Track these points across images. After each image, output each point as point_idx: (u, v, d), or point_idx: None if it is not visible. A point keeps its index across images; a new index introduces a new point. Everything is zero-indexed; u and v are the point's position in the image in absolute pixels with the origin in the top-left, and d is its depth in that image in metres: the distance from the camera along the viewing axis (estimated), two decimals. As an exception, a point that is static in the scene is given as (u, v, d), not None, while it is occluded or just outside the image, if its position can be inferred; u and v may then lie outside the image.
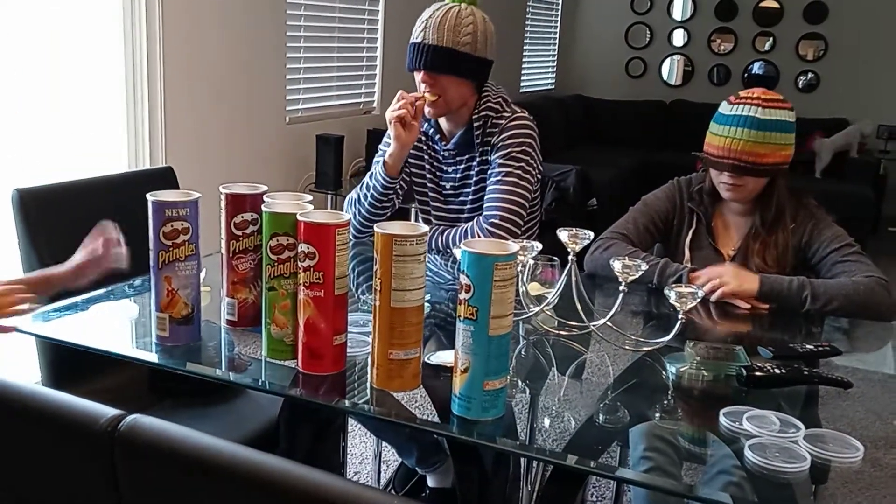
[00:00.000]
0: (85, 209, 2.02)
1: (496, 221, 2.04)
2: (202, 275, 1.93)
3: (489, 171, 2.13)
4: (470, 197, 2.21)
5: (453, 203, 2.25)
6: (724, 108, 2.06)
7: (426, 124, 2.22)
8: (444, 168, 2.24)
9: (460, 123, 2.17)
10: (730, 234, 2.11)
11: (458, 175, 2.21)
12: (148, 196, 1.48)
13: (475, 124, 2.13)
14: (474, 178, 2.18)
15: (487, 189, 2.11)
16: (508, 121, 2.13)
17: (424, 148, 2.26)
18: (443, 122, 2.20)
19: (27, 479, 1.07)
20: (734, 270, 1.93)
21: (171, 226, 1.49)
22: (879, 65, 6.78)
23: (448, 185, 2.24)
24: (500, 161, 2.10)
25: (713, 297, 1.91)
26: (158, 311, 1.53)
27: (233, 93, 3.66)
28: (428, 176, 2.26)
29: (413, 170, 2.29)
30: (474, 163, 2.18)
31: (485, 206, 2.09)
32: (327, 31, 4.33)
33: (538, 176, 2.18)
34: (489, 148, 2.14)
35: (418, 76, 2.08)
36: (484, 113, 2.13)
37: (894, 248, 6.23)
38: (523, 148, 2.11)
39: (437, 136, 2.21)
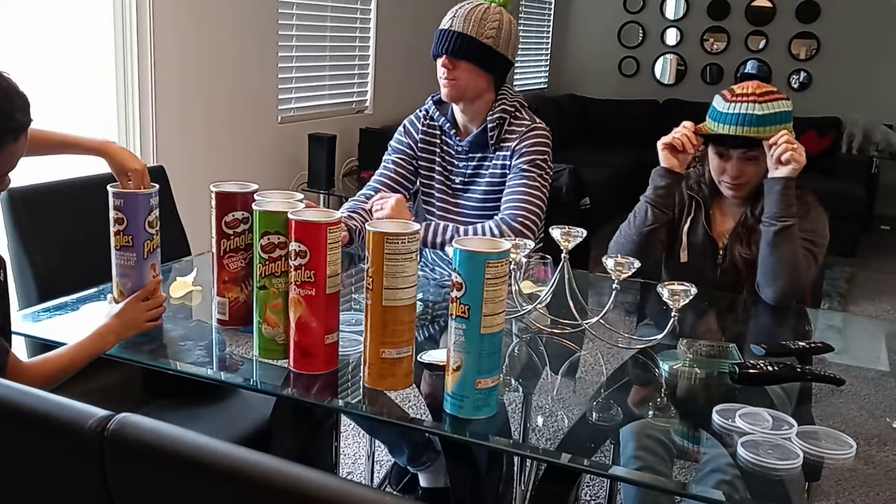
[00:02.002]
0: (75, 208, 2.02)
1: (523, 221, 2.08)
2: (193, 275, 1.93)
3: (511, 174, 2.16)
4: (478, 195, 2.23)
5: (460, 198, 2.27)
6: (720, 105, 2.03)
7: (442, 118, 2.25)
8: (455, 162, 2.26)
9: (476, 120, 2.20)
10: (726, 222, 2.12)
11: (469, 171, 2.24)
12: (108, 187, 1.61)
13: (490, 125, 2.15)
14: (486, 178, 2.21)
15: (510, 190, 2.14)
16: (530, 128, 2.18)
17: (437, 141, 2.29)
18: (459, 116, 2.24)
19: (16, 481, 1.06)
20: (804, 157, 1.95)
21: (112, 215, 1.60)
22: (872, 63, 6.80)
23: (457, 180, 2.27)
24: (524, 166, 2.14)
25: (780, 150, 1.93)
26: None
27: (224, 92, 3.65)
28: (437, 168, 2.29)
29: (422, 163, 2.31)
30: (486, 162, 2.21)
31: (507, 206, 2.12)
32: (319, 30, 4.32)
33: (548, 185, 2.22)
34: (508, 152, 2.17)
35: (439, 62, 2.13)
36: (499, 115, 2.17)
37: (886, 246, 6.25)
38: (545, 157, 2.17)
39: (453, 132, 2.23)
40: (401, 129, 2.35)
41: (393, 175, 2.30)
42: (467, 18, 2.09)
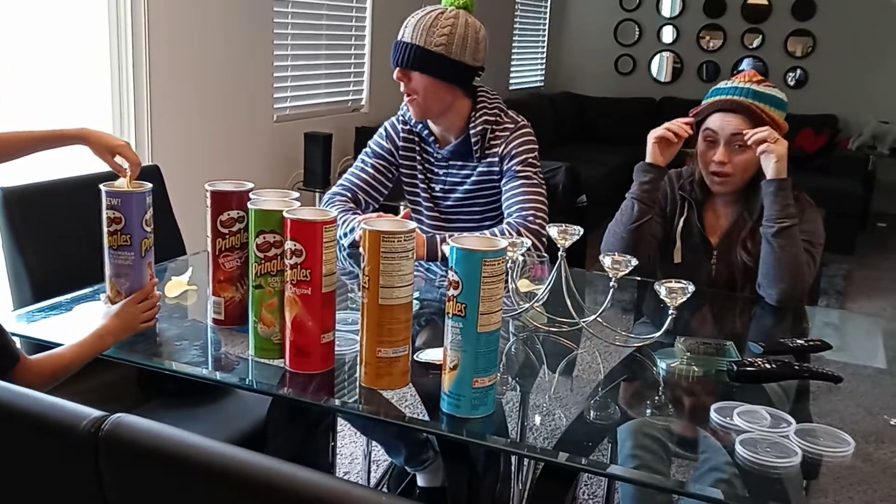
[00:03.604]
0: (70, 208, 2.01)
1: (537, 221, 2.06)
2: (188, 274, 1.92)
3: (505, 178, 2.14)
4: (460, 201, 2.21)
5: (443, 205, 2.24)
6: (720, 85, 2.10)
7: (419, 125, 2.21)
8: (435, 171, 2.23)
9: (453, 130, 2.16)
10: (719, 223, 2.12)
11: (449, 179, 2.21)
12: (101, 186, 1.59)
13: (472, 136, 2.13)
14: (468, 186, 2.18)
15: (513, 194, 2.11)
16: (514, 130, 2.15)
17: (416, 149, 2.25)
18: (433, 127, 2.20)
19: (10, 482, 1.06)
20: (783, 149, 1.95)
21: (107, 215, 1.57)
22: (867, 61, 6.80)
23: (437, 188, 2.23)
24: (518, 168, 2.12)
25: (756, 140, 1.94)
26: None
27: (219, 91, 3.64)
28: (419, 177, 2.25)
29: (404, 171, 2.28)
30: (468, 170, 2.18)
31: (516, 208, 2.09)
32: (315, 28, 4.31)
33: None
34: (496, 158, 2.14)
35: (395, 75, 2.10)
36: (481, 127, 2.13)
37: (883, 244, 6.26)
38: (534, 154, 2.15)
39: (431, 139, 2.20)
40: (382, 131, 2.29)
41: (370, 180, 2.25)
42: (416, 28, 2.03)
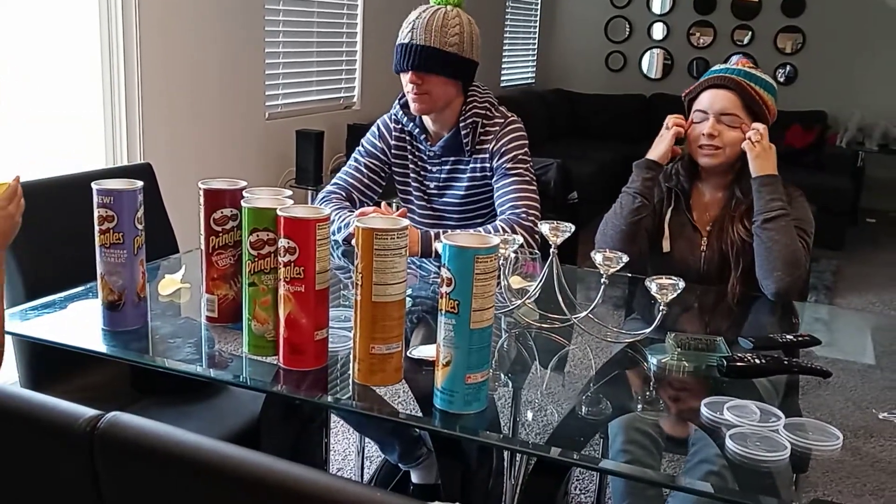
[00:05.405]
0: (62, 206, 2.00)
1: (531, 217, 2.08)
2: (181, 272, 1.92)
3: (496, 176, 2.15)
4: (456, 199, 2.21)
5: (436, 203, 2.25)
6: (714, 68, 2.16)
7: (411, 123, 2.21)
8: (428, 167, 2.24)
9: (446, 125, 2.17)
10: (707, 209, 2.14)
11: (443, 175, 2.22)
12: (93, 184, 1.57)
13: (462, 129, 2.14)
14: (464, 182, 2.19)
15: (505, 191, 2.13)
16: (504, 126, 2.16)
17: (408, 147, 2.25)
18: (428, 123, 2.20)
19: (6, 482, 1.06)
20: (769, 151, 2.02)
21: (99, 213, 1.56)
22: (857, 58, 6.83)
23: (432, 185, 2.24)
24: (509, 165, 2.13)
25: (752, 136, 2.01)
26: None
27: (211, 88, 3.64)
28: (412, 175, 2.26)
29: (396, 169, 2.28)
30: (462, 165, 2.19)
31: (509, 206, 2.11)
32: (306, 25, 4.30)
33: None
34: (486, 154, 2.15)
35: (405, 77, 2.09)
36: (471, 119, 2.14)
37: (872, 239, 6.29)
38: (525, 150, 2.17)
39: (423, 137, 2.21)
40: (375, 130, 2.30)
41: (364, 179, 2.27)
42: (428, 29, 2.04)
